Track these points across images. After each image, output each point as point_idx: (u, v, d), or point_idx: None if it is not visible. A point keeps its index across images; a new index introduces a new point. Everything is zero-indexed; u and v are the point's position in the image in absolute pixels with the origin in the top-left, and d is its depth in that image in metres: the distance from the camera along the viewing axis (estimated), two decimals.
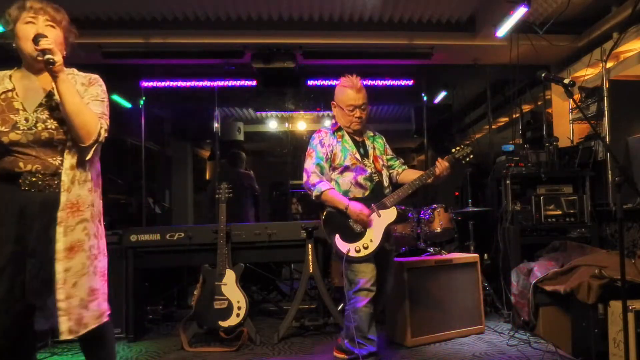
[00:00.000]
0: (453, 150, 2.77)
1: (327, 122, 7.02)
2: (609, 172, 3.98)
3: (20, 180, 1.74)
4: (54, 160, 1.78)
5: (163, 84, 5.34)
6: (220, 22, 4.41)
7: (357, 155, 2.77)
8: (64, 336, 1.71)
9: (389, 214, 2.69)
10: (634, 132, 3.85)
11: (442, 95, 6.34)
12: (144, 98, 5.40)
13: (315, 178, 2.69)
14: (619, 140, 3.87)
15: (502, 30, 4.08)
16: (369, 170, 2.76)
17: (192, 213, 8.13)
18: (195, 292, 3.44)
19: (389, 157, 2.97)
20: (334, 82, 5.51)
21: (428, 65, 5.02)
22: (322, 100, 6.57)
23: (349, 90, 2.77)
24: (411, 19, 4.45)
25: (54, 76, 1.71)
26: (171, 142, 7.83)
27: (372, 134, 2.96)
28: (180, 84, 5.36)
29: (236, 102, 6.96)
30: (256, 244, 3.71)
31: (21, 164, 1.74)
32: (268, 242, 3.71)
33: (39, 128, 1.76)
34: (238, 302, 3.34)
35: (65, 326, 1.70)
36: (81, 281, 1.75)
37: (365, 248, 2.63)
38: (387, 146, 3.01)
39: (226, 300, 3.34)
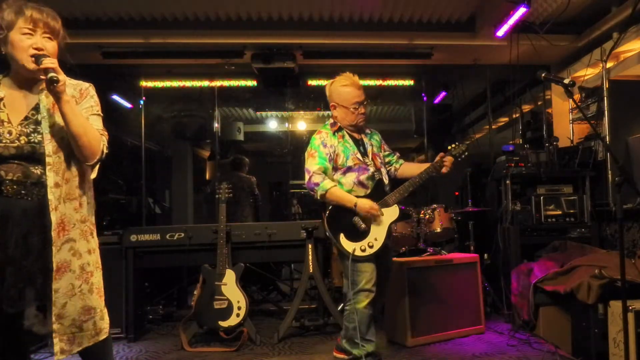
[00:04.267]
0: (449, 147, 2.76)
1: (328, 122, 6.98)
2: (609, 172, 3.97)
3: (2, 187, 1.69)
4: (35, 169, 1.72)
5: (163, 84, 5.34)
6: (220, 22, 4.40)
7: (359, 155, 2.76)
8: (57, 357, 1.69)
9: (392, 212, 2.70)
10: (634, 132, 3.85)
11: (442, 95, 6.34)
12: (144, 98, 5.40)
13: (318, 177, 2.66)
14: (619, 140, 3.87)
15: (502, 30, 4.08)
16: (370, 169, 2.75)
17: (192, 213, 8.13)
18: (195, 292, 3.44)
19: (385, 153, 2.97)
20: None
21: (428, 65, 5.02)
22: (322, 100, 6.52)
23: (350, 89, 2.74)
24: (411, 19, 4.44)
25: (57, 97, 1.65)
26: (171, 142, 7.82)
27: (368, 132, 2.95)
28: (180, 84, 5.36)
29: (236, 102, 6.95)
30: (256, 244, 3.71)
31: (2, 173, 1.69)
32: (268, 242, 3.70)
33: (22, 142, 1.71)
34: (238, 302, 3.34)
35: (57, 347, 1.69)
36: (71, 302, 1.72)
37: (371, 247, 2.64)
38: (384, 142, 3.00)
39: (226, 300, 3.34)
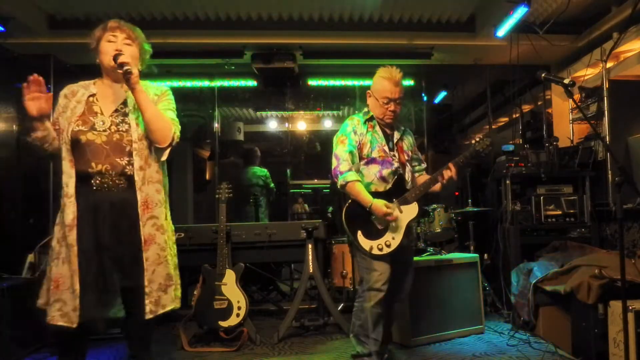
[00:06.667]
0: (473, 142, 2.73)
1: (328, 122, 7.02)
2: (609, 172, 3.97)
3: (92, 181, 1.97)
4: (121, 160, 2.00)
5: (163, 84, 5.32)
6: (220, 22, 4.40)
7: (386, 148, 2.74)
8: (147, 316, 2.01)
9: (411, 210, 2.68)
10: (634, 132, 3.85)
11: (442, 95, 6.34)
12: None
13: (345, 166, 2.64)
14: (619, 140, 3.87)
15: (502, 30, 4.07)
16: (395, 164, 2.73)
17: (192, 213, 8.12)
18: (195, 292, 3.44)
19: (414, 156, 2.95)
20: (334, 82, 5.57)
21: (428, 65, 5.02)
22: (322, 100, 6.56)
23: (386, 82, 2.73)
24: (411, 19, 4.44)
25: (132, 87, 1.99)
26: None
27: (402, 129, 2.94)
28: (180, 84, 5.35)
29: (236, 102, 6.95)
30: (256, 244, 3.72)
31: (93, 164, 1.97)
32: (268, 242, 3.71)
33: (112, 130, 2.01)
34: (238, 302, 3.34)
35: (148, 308, 2.00)
36: (158, 269, 2.06)
37: (388, 246, 2.62)
38: (415, 146, 2.99)
39: (226, 300, 3.34)
